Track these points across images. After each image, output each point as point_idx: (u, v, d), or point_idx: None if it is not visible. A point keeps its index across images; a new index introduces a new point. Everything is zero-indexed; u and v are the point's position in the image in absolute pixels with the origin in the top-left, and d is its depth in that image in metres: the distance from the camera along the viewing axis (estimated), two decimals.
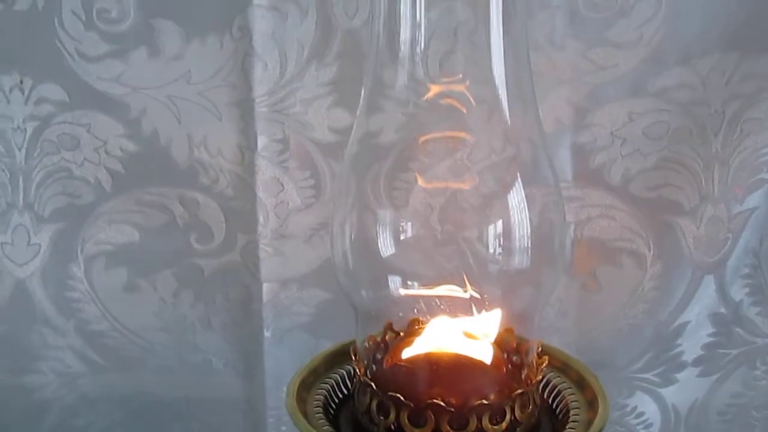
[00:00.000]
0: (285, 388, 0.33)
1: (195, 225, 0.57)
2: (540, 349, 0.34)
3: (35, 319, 0.59)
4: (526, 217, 0.32)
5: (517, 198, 0.32)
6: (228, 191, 0.55)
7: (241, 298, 0.58)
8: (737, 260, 0.56)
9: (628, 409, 0.60)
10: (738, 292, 0.57)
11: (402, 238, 0.35)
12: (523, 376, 0.32)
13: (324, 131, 0.54)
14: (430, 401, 0.29)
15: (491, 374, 0.31)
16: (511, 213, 0.32)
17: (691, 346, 0.58)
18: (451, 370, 0.31)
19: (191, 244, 0.57)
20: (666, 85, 0.52)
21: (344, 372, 0.36)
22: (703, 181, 0.54)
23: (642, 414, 0.60)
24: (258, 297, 0.57)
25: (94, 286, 0.58)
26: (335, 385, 0.35)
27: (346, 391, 0.35)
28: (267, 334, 0.58)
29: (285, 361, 0.59)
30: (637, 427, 0.61)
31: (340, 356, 0.36)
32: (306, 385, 0.34)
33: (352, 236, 0.36)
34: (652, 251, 0.55)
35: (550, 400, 0.34)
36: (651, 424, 0.61)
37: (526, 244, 0.32)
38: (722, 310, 0.57)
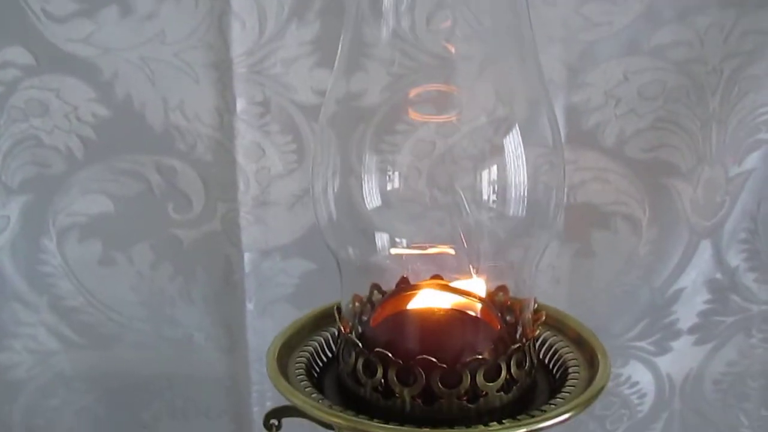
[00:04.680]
0: None
1: (172, 193, 0.55)
2: (536, 305, 0.32)
3: (6, 295, 0.57)
4: (522, 164, 0.30)
5: (513, 144, 0.30)
6: (206, 157, 0.54)
7: (222, 270, 0.56)
8: (734, 224, 0.55)
9: (622, 378, 0.59)
10: (734, 258, 0.56)
11: (389, 189, 0.33)
12: (518, 334, 0.30)
13: (306, 93, 0.52)
14: (419, 357, 0.27)
15: (484, 330, 0.29)
16: (506, 161, 0.30)
17: (686, 314, 0.57)
18: (442, 326, 0.29)
19: (169, 213, 0.55)
20: (662, 42, 0.51)
21: (329, 335, 0.34)
22: (700, 142, 0.52)
23: (636, 383, 0.59)
24: (239, 268, 0.56)
25: (67, 259, 0.57)
26: (319, 348, 0.33)
27: (330, 354, 0.33)
28: (249, 306, 0.56)
29: (268, 334, 0.56)
30: (631, 397, 0.60)
31: (326, 319, 0.35)
32: (289, 348, 0.32)
33: (336, 194, 0.34)
34: (647, 215, 0.54)
35: (546, 360, 0.32)
36: (645, 394, 0.59)
37: (522, 194, 0.30)
38: (718, 276, 0.56)
